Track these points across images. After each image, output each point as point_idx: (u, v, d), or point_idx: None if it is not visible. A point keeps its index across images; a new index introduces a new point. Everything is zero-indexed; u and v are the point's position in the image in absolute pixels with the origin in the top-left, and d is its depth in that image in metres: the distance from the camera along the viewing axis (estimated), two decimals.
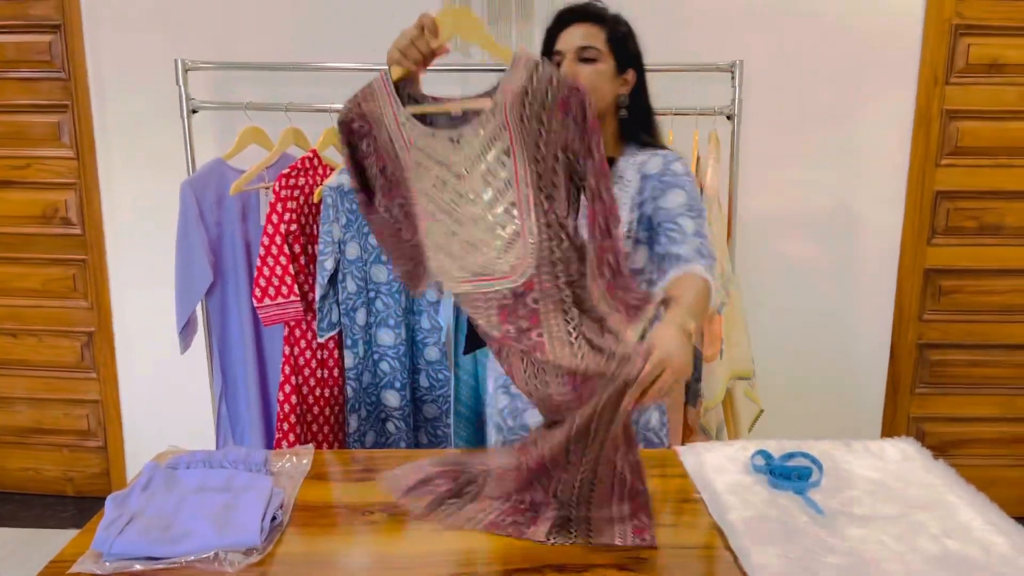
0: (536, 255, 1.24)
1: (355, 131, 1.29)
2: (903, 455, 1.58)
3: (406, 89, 1.30)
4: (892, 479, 1.48)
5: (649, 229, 1.57)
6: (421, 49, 1.27)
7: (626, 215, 1.57)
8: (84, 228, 2.92)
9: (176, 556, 1.22)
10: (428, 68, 1.33)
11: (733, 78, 2.34)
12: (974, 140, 2.76)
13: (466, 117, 1.27)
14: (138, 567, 1.21)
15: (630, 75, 1.64)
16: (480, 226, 1.26)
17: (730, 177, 2.40)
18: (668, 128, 2.32)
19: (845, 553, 1.22)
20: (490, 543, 1.27)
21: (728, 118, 2.38)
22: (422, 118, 1.29)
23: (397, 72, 1.27)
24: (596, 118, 1.25)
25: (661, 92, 2.34)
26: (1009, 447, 3.00)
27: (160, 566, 1.22)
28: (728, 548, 1.27)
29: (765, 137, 2.68)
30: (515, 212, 1.25)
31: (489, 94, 1.27)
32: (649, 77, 1.70)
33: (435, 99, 1.32)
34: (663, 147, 1.65)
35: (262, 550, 1.25)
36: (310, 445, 1.63)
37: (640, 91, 1.67)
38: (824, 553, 1.23)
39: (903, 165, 2.75)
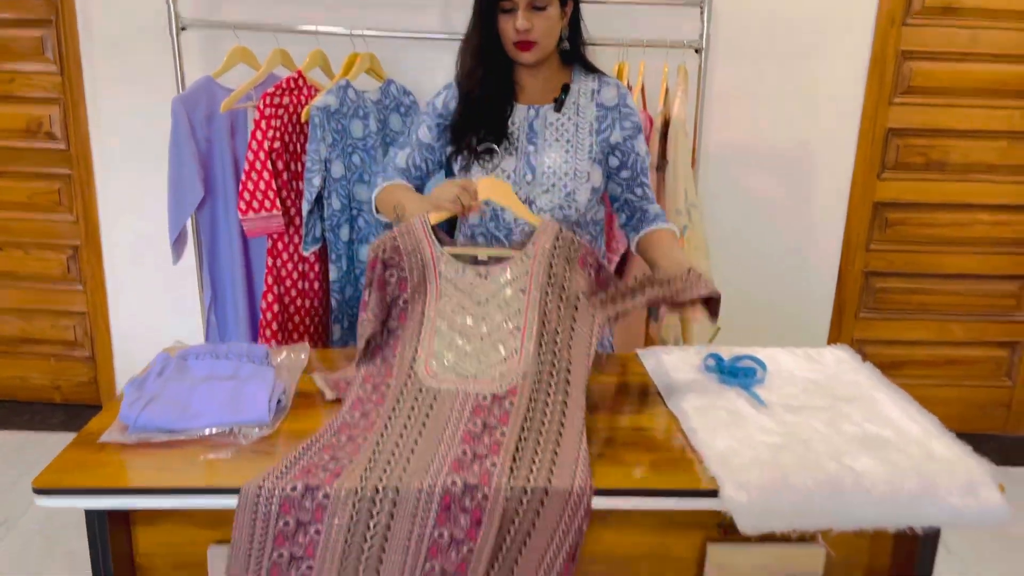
0: (524, 370, 1.49)
1: (384, 262, 1.59)
2: (837, 359, 1.78)
3: (436, 233, 1.64)
4: (826, 378, 1.67)
5: (610, 155, 1.82)
6: (464, 203, 1.62)
7: (585, 140, 1.79)
8: (68, 143, 2.98)
9: (195, 429, 1.38)
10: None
11: (702, 13, 2.46)
12: (926, 80, 2.93)
13: (489, 261, 1.63)
14: (161, 438, 1.37)
15: (568, 6, 1.78)
16: (486, 342, 1.54)
17: (696, 108, 2.54)
18: (640, 59, 2.45)
19: (780, 434, 1.41)
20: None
21: (696, 51, 2.51)
22: (455, 256, 1.62)
23: (436, 217, 1.63)
24: (606, 266, 1.62)
25: (633, 24, 2.48)
26: (941, 368, 3.25)
27: (181, 437, 1.37)
28: (681, 431, 1.46)
29: (730, 71, 2.82)
30: (518, 335, 1.54)
31: (515, 248, 1.65)
32: (602, 8, 1.86)
33: (463, 245, 1.73)
34: (602, 72, 1.86)
35: (271, 425, 1.41)
36: (305, 343, 1.78)
37: (576, 18, 1.82)
38: (762, 434, 1.42)
39: (858, 103, 2.91)
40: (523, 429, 1.35)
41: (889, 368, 3.29)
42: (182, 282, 2.87)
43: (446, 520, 1.20)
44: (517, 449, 1.30)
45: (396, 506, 1.20)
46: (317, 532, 1.20)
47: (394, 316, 1.61)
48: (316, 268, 2.43)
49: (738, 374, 1.64)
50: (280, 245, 2.38)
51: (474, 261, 1.63)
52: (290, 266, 2.40)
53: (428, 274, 1.59)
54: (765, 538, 1.37)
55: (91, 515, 1.29)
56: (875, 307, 3.17)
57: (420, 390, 1.47)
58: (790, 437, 1.40)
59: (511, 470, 1.24)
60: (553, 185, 1.78)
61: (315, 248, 2.35)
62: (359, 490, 1.20)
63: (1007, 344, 3.24)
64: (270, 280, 2.36)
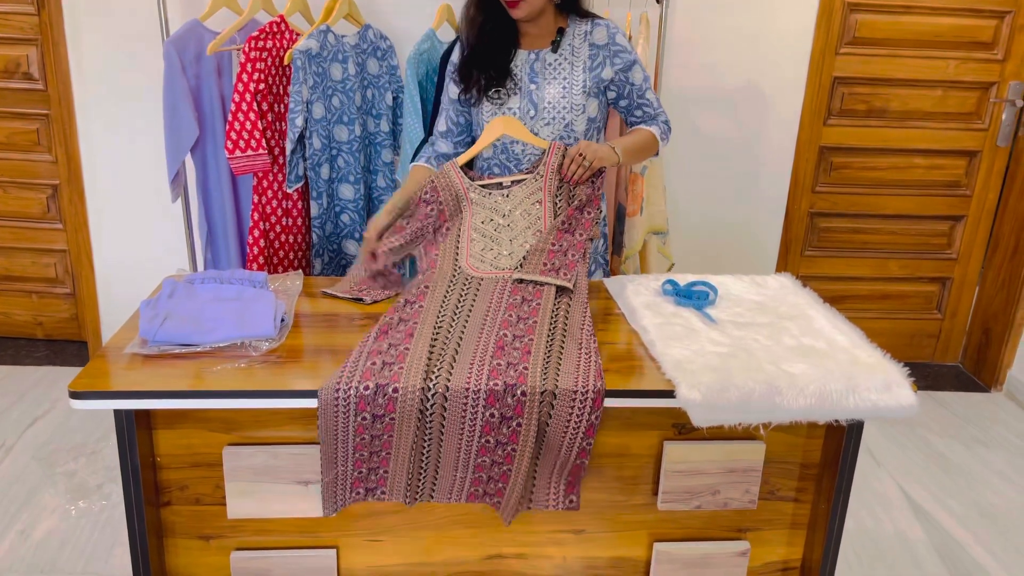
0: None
1: (425, 200, 1.92)
2: (780, 285, 1.98)
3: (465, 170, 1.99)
4: (769, 300, 1.87)
5: (607, 88, 2.05)
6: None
7: (579, 76, 2.01)
8: (47, 84, 3.03)
9: (209, 343, 1.53)
10: None
11: None
12: (870, 32, 3.11)
13: (511, 185, 1.95)
14: (179, 350, 1.52)
15: None
16: (515, 243, 1.90)
17: (657, 55, 2.70)
18: (605, 8, 2.59)
19: (728, 345, 1.61)
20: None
21: (658, 1, 2.65)
22: (482, 186, 1.96)
23: (462, 159, 1.97)
24: (601, 176, 1.95)
25: None
26: (878, 302, 3.51)
27: (197, 350, 1.52)
28: (641, 344, 1.65)
29: (689, 21, 2.97)
30: (539, 235, 1.92)
31: (529, 171, 1.97)
32: None
33: (489, 177, 2.03)
34: (595, 15, 2.07)
35: (278, 339, 1.57)
36: (299, 271, 1.93)
37: None
38: (713, 346, 1.61)
39: (806, 52, 3.08)
40: (550, 332, 1.63)
41: (830, 302, 3.52)
42: (164, 220, 2.97)
43: (494, 403, 1.43)
44: (546, 351, 1.54)
45: (447, 401, 1.42)
46: (392, 418, 1.41)
47: (438, 239, 1.95)
48: (299, 205, 2.56)
49: (692, 296, 1.84)
50: (265, 183, 2.50)
51: (498, 187, 1.97)
52: (275, 203, 2.52)
53: (462, 202, 1.94)
54: (714, 435, 1.58)
55: (120, 415, 1.44)
56: (819, 245, 3.40)
57: (466, 279, 1.83)
58: (737, 347, 1.60)
59: (543, 371, 1.47)
60: (553, 118, 2.01)
61: (298, 185, 2.47)
62: (423, 384, 1.41)
63: (938, 280, 3.50)
64: (256, 216, 2.49)
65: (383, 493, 1.50)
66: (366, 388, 1.39)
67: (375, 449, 1.45)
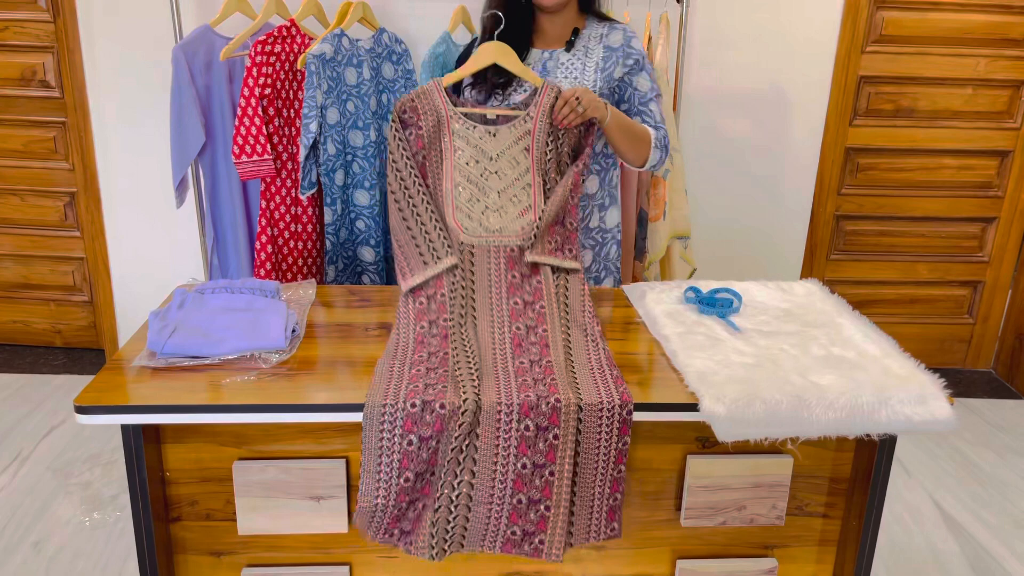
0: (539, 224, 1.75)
1: (405, 121, 1.77)
2: (807, 291, 1.92)
3: (449, 94, 1.82)
4: (796, 308, 1.81)
5: (614, 90, 1.99)
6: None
7: (591, 76, 1.97)
8: (63, 91, 3.03)
9: (218, 355, 1.49)
10: None
11: None
12: (897, 29, 3.04)
13: (497, 120, 1.81)
14: (187, 362, 1.48)
15: None
16: (503, 196, 1.77)
17: (678, 56, 2.64)
18: (624, 9, 2.55)
19: (753, 356, 1.55)
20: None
21: (678, 1, 2.60)
22: (465, 115, 1.81)
23: (448, 80, 1.82)
24: (591, 129, 1.85)
25: None
26: (906, 307, 3.42)
27: (206, 362, 1.49)
28: (663, 354, 1.60)
29: (709, 20, 2.91)
30: (529, 191, 1.79)
31: (518, 107, 1.82)
32: None
33: (474, 105, 1.86)
34: (614, 20, 2.04)
35: (288, 351, 1.53)
36: (312, 280, 1.89)
37: None
38: (738, 356, 1.55)
39: (831, 51, 3.01)
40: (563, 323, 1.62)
41: (857, 307, 3.45)
42: (180, 227, 2.95)
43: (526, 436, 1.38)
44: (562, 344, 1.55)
45: (480, 426, 1.37)
46: (441, 411, 1.35)
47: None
48: (309, 211, 2.52)
49: (715, 304, 1.78)
50: (273, 188, 2.46)
51: (483, 120, 1.82)
52: (283, 209, 2.49)
53: (442, 131, 1.79)
54: (740, 449, 1.52)
55: (127, 430, 1.40)
56: (845, 249, 3.32)
57: (459, 243, 1.72)
58: (762, 358, 1.54)
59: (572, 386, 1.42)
60: None
61: (311, 192, 2.43)
62: (462, 403, 1.36)
63: (969, 283, 3.41)
64: (263, 222, 2.45)
65: (410, 544, 1.42)
66: (413, 406, 1.36)
67: (420, 472, 1.39)
